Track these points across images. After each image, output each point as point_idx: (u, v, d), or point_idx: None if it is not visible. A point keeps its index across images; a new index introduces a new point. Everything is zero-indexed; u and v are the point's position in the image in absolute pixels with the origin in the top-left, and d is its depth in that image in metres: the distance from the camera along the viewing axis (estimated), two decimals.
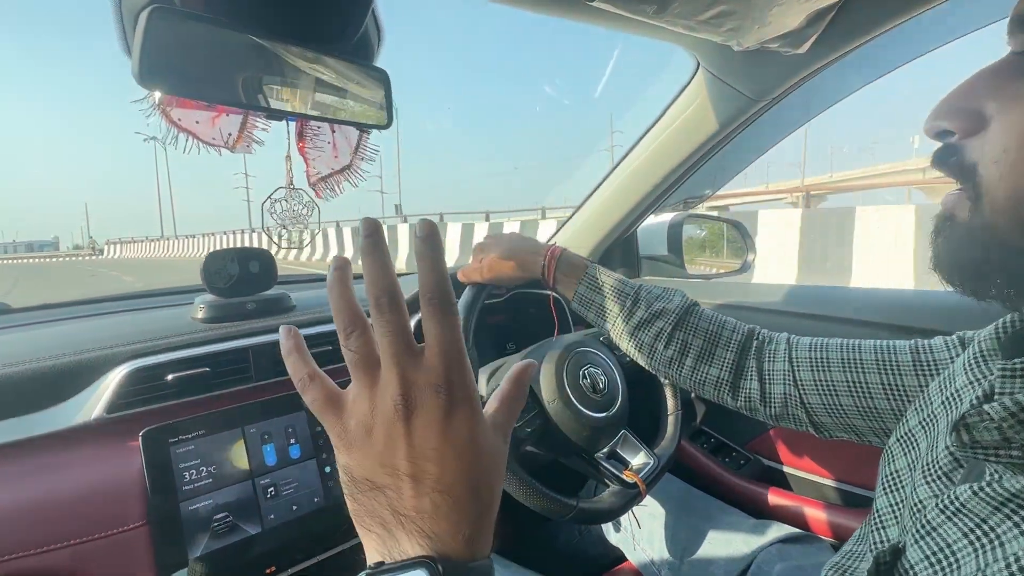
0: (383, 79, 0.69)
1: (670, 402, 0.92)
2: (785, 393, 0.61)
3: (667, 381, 0.93)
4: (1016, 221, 0.28)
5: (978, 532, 0.29)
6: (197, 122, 0.61)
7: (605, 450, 0.83)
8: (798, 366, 0.61)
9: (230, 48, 0.56)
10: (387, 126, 0.71)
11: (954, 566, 0.29)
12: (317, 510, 0.71)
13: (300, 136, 0.66)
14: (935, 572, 0.31)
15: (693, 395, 1.15)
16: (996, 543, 0.27)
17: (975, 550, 0.28)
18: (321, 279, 1.21)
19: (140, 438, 0.64)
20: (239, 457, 0.69)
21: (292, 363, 0.32)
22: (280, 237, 0.66)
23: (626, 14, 0.61)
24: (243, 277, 0.82)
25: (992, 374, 0.37)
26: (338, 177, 0.72)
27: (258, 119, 0.65)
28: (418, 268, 0.30)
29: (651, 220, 1.30)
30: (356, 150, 0.72)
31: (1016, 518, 0.27)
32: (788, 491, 0.98)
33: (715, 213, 1.43)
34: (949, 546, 0.30)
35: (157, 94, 0.54)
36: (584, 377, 0.83)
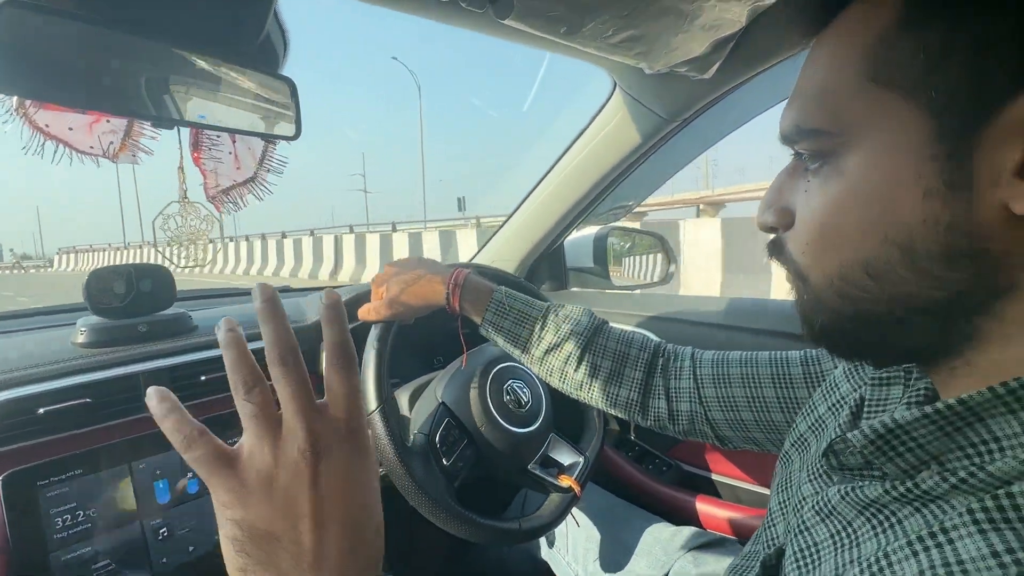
0: (291, 88, 0.65)
1: None
2: (691, 410, 0.63)
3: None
4: (837, 295, 0.30)
5: (843, 533, 0.32)
6: (70, 128, 0.55)
7: (536, 458, 0.82)
8: (702, 383, 0.63)
9: (104, 48, 0.50)
10: (295, 137, 0.68)
11: (816, 563, 0.32)
12: (218, 549, 0.66)
13: (195, 146, 0.61)
14: (799, 567, 0.34)
15: None
16: (854, 543, 0.30)
17: (836, 549, 0.31)
18: (231, 294, 1.13)
19: None
20: (125, 497, 0.63)
21: (172, 423, 0.31)
22: (177, 255, 0.61)
23: (538, 34, 0.62)
24: (134, 297, 0.75)
25: (866, 382, 0.40)
26: (241, 190, 0.67)
27: (145, 126, 0.59)
28: (324, 331, 0.33)
29: (577, 233, 1.33)
30: (261, 162, 0.68)
31: (874, 521, 0.29)
32: (707, 495, 1.02)
33: (637, 226, 1.47)
34: (816, 544, 0.34)
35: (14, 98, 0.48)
36: (507, 393, 0.82)
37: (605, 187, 1.08)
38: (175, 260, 0.61)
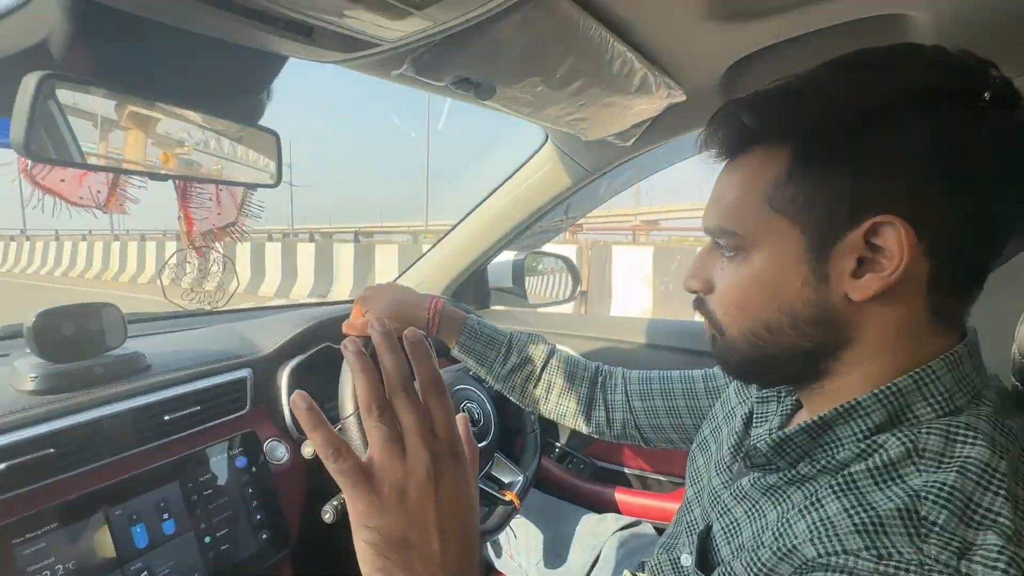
0: (275, 139, 0.69)
1: (528, 422, 1.07)
2: (624, 418, 0.79)
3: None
4: (748, 344, 0.46)
5: (754, 510, 0.47)
6: (62, 180, 0.55)
7: (482, 474, 0.93)
8: (631, 396, 0.79)
9: (113, 112, 0.52)
10: (275, 185, 0.72)
11: (738, 532, 0.47)
12: None
13: (184, 196, 0.63)
14: (727, 537, 0.49)
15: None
16: (762, 515, 0.45)
17: (751, 521, 0.46)
18: (182, 316, 1.06)
19: None
20: (103, 545, 0.62)
21: (322, 436, 0.34)
22: (192, 300, 0.62)
23: (507, 111, 0.73)
24: (83, 338, 0.72)
25: (752, 397, 0.58)
26: (219, 233, 0.70)
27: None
28: (415, 366, 0.36)
29: (499, 257, 1.46)
30: (241, 207, 0.71)
31: (774, 499, 0.44)
32: (622, 486, 1.21)
33: (551, 251, 1.65)
34: (736, 521, 0.48)
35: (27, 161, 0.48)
36: (462, 412, 0.92)
37: (531, 223, 1.22)
38: (192, 305, 0.62)
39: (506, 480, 0.96)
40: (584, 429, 0.82)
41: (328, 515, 0.77)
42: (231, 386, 0.83)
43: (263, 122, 0.69)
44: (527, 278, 1.58)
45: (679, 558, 0.58)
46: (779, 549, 0.38)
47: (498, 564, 1.13)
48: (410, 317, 0.80)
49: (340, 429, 0.76)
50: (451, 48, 0.56)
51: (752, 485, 0.48)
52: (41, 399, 0.66)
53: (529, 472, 0.99)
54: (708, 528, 0.53)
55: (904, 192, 0.37)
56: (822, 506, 0.38)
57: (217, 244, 0.65)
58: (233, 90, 0.61)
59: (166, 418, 0.74)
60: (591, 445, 1.29)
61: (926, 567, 0.30)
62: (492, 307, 1.53)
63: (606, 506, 1.18)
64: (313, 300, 1.32)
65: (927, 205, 0.37)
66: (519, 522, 1.11)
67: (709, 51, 0.70)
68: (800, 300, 0.41)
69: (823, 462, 0.41)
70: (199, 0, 0.44)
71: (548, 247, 1.65)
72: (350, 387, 0.77)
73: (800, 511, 0.39)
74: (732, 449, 0.56)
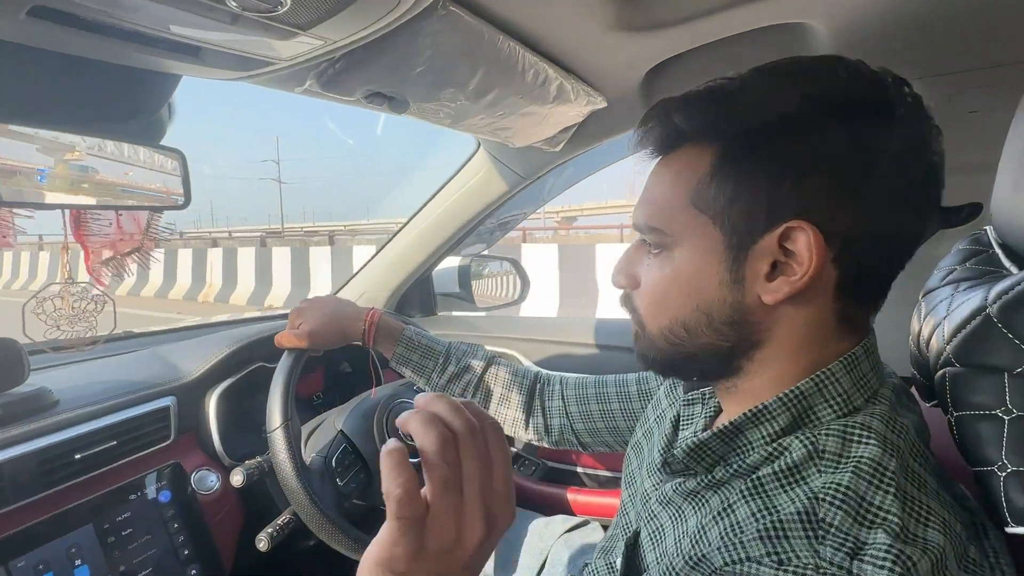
0: (180, 158, 0.66)
1: None
2: (561, 424, 0.79)
3: None
4: (666, 341, 0.47)
5: (677, 515, 0.48)
6: None
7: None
8: (568, 401, 0.79)
9: None
10: (184, 206, 0.68)
11: (662, 537, 0.48)
12: None
13: (77, 224, 0.59)
14: (652, 543, 0.50)
15: None
16: (683, 520, 0.46)
17: (674, 526, 0.47)
18: (100, 341, 0.99)
19: None
20: None
21: (407, 479, 0.33)
22: (58, 336, 0.57)
23: (426, 121, 0.72)
24: None
25: (680, 399, 0.59)
26: (125, 260, 0.66)
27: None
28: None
29: (443, 263, 1.44)
30: (146, 230, 0.67)
31: (694, 503, 0.45)
32: (573, 485, 1.22)
33: (496, 255, 1.65)
34: (661, 527, 0.49)
35: None
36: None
37: (470, 228, 1.21)
38: (51, 347, 0.57)
39: None
40: (523, 437, 0.82)
41: (263, 543, 0.75)
42: (152, 416, 0.79)
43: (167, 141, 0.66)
44: (474, 282, 1.58)
45: (615, 562, 0.58)
46: (691, 557, 0.39)
47: None
48: (346, 329, 0.79)
49: (267, 440, 0.74)
50: (354, 64, 0.55)
51: (675, 491, 0.48)
52: None
53: None
54: (637, 534, 0.54)
55: (816, 198, 0.38)
56: (733, 511, 0.39)
57: (95, 281, 0.61)
58: (127, 111, 0.58)
59: (77, 456, 0.70)
60: (543, 447, 1.30)
61: (821, 570, 0.31)
62: (439, 313, 1.52)
63: (558, 507, 1.19)
64: (249, 315, 1.27)
65: (837, 212, 0.38)
66: None
67: (624, 59, 0.71)
68: (717, 300, 0.42)
69: (735, 466, 0.42)
70: (74, 28, 0.41)
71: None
72: (278, 400, 0.75)
73: (714, 517, 0.41)
74: (662, 452, 0.57)
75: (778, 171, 0.39)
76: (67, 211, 0.58)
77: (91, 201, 0.59)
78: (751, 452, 0.42)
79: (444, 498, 0.34)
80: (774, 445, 0.41)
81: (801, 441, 0.39)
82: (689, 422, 0.56)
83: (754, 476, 0.40)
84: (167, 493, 0.76)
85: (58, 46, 0.45)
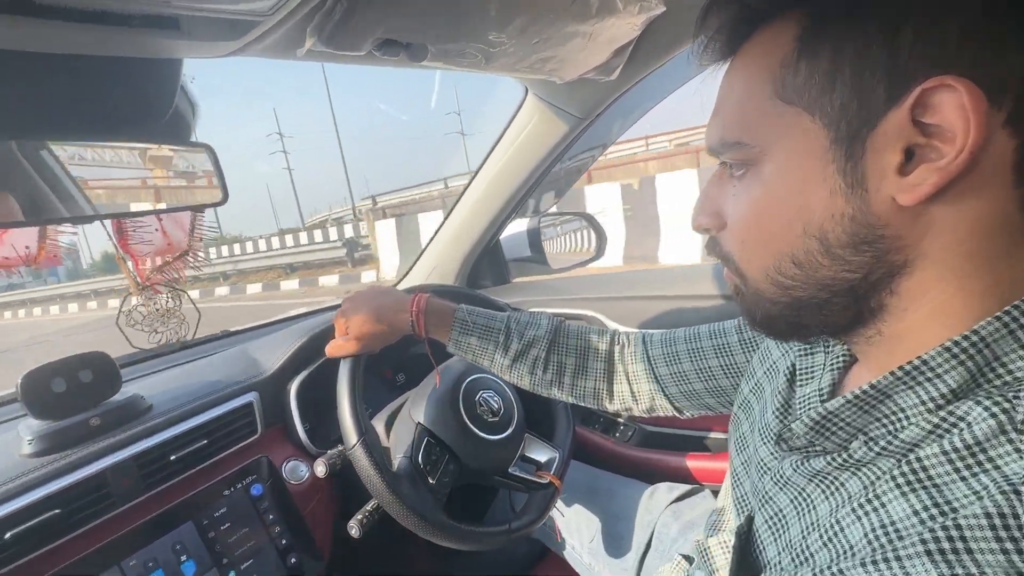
0: (210, 154, 0.63)
1: None
2: (651, 389, 0.69)
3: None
4: (774, 286, 0.36)
5: (799, 499, 0.38)
6: None
7: (515, 459, 0.87)
8: (655, 363, 0.69)
9: (12, 162, 0.47)
10: (223, 202, 0.66)
11: (785, 527, 0.38)
12: None
13: (120, 234, 0.59)
14: (773, 533, 0.40)
15: None
16: (811, 507, 0.36)
17: (798, 514, 0.37)
18: (179, 349, 1.05)
19: None
20: None
21: None
22: (159, 343, 0.58)
23: (451, 68, 0.64)
24: (76, 391, 0.71)
25: (794, 350, 0.47)
26: (177, 264, 0.65)
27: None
28: None
29: (510, 228, 1.36)
30: (191, 232, 0.66)
31: (823, 486, 0.35)
32: (673, 450, 1.12)
33: (566, 211, 1.53)
34: (781, 511, 0.39)
35: None
36: (480, 404, 0.86)
37: (532, 185, 1.12)
38: (160, 349, 0.59)
39: (542, 459, 0.90)
40: (609, 408, 0.74)
41: (354, 530, 0.74)
42: (237, 413, 0.81)
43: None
44: (548, 243, 1.49)
45: (728, 544, 0.50)
46: (824, 566, 0.30)
47: (551, 545, 1.09)
48: (393, 322, 0.74)
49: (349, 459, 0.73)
50: (354, 9, 0.47)
51: (795, 470, 0.38)
52: (40, 461, 0.66)
53: (565, 447, 0.92)
54: (750, 520, 0.45)
55: (962, 37, 0.27)
56: (883, 506, 0.29)
57: (163, 279, 0.60)
58: (139, 112, 0.55)
59: (172, 458, 0.73)
60: None
61: None
62: (514, 281, 1.45)
63: (661, 474, 1.10)
64: (300, 311, 1.28)
65: (998, 55, 0.27)
66: (566, 500, 1.05)
67: None
68: (831, 216, 0.31)
69: (883, 443, 0.31)
70: (31, 17, 0.37)
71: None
72: (349, 415, 0.72)
73: (854, 509, 0.31)
74: (778, 412, 0.46)
75: (893, 18, 0.28)
76: (112, 225, 0.57)
77: (131, 210, 0.58)
78: (905, 423, 0.31)
79: None
80: (941, 414, 0.29)
81: (986, 407, 0.28)
82: (809, 376, 0.44)
83: (912, 457, 0.29)
84: (259, 486, 0.77)
85: (22, 44, 0.42)
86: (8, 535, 0.59)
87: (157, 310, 0.58)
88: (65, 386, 0.70)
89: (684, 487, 0.97)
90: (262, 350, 0.93)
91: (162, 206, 0.60)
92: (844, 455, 0.34)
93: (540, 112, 0.94)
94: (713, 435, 1.09)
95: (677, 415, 0.71)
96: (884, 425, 0.32)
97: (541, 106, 0.93)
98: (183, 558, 0.67)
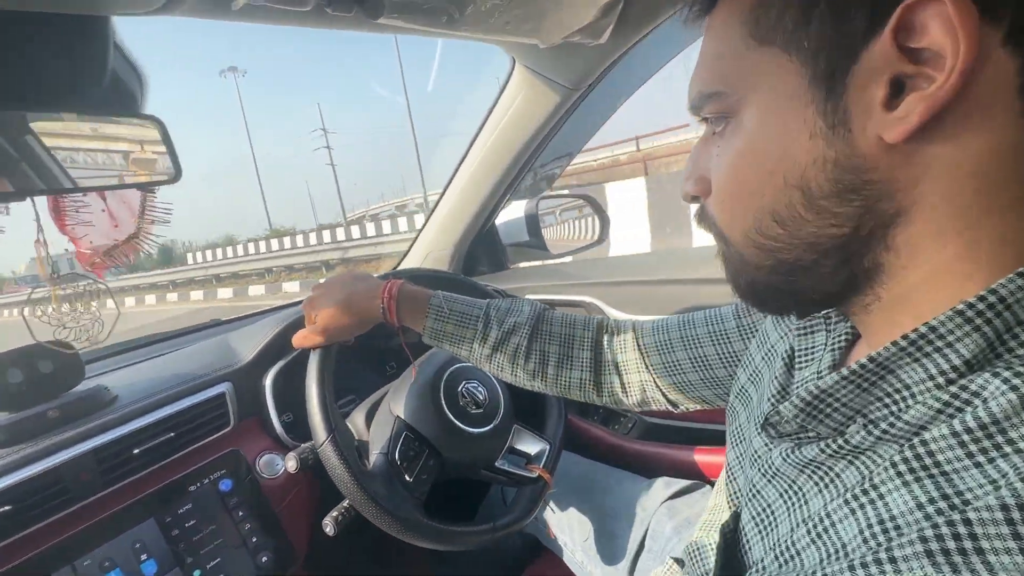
0: (159, 128, 0.58)
1: None
2: (641, 380, 0.64)
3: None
4: (756, 248, 0.32)
5: (790, 492, 0.33)
6: None
7: (502, 452, 0.82)
8: (646, 352, 0.64)
9: None
10: (176, 179, 0.62)
11: (774, 524, 0.34)
12: None
13: (57, 213, 0.54)
14: (759, 530, 0.35)
15: None
16: (802, 501, 0.32)
17: (788, 509, 0.33)
18: (155, 341, 1.02)
19: None
20: None
21: None
22: (68, 337, 0.54)
23: (417, 28, 0.58)
24: (34, 382, 0.67)
25: (793, 331, 0.42)
26: (125, 248, 0.61)
27: None
28: None
29: (507, 211, 1.31)
30: (142, 214, 0.61)
31: (815, 477, 0.31)
32: (673, 442, 1.06)
33: (565, 191, 1.47)
34: (769, 506, 0.35)
35: None
36: (463, 396, 0.81)
37: (525, 162, 1.05)
38: (67, 347, 0.55)
39: (532, 451, 0.85)
40: (597, 400, 0.68)
41: (329, 528, 0.70)
42: (209, 404, 0.77)
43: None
44: (547, 229, 1.43)
45: (714, 542, 0.45)
46: (808, 565, 0.27)
47: (545, 542, 1.05)
48: (361, 312, 0.69)
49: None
50: None
51: (784, 459, 0.34)
52: None
53: (556, 439, 0.87)
54: (736, 517, 0.40)
55: None
56: (881, 498, 0.25)
57: (95, 272, 0.56)
58: (70, 76, 0.50)
59: (136, 452, 0.69)
60: None
61: None
62: (512, 267, 1.39)
63: (659, 468, 1.04)
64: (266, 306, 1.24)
65: None
66: (560, 495, 1.00)
67: None
68: (812, 162, 0.28)
69: (884, 425, 0.27)
70: None
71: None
72: (317, 411, 0.68)
73: (851, 506, 0.27)
74: (774, 399, 0.41)
75: None
76: (41, 201, 0.52)
77: (67, 186, 0.54)
78: (910, 402, 0.27)
79: None
80: (952, 390, 0.25)
81: (1005, 379, 0.23)
82: (809, 358, 0.39)
83: (917, 440, 0.25)
84: (228, 481, 0.73)
85: None
86: None
87: (69, 304, 0.53)
88: (22, 376, 0.67)
89: (682, 482, 0.91)
90: (240, 339, 0.90)
91: (109, 182, 0.56)
92: (840, 441, 0.29)
93: (529, 83, 0.88)
94: (718, 427, 1.03)
95: (672, 408, 0.66)
96: (886, 405, 0.28)
97: (529, 77, 0.86)
98: (143, 557, 0.64)
